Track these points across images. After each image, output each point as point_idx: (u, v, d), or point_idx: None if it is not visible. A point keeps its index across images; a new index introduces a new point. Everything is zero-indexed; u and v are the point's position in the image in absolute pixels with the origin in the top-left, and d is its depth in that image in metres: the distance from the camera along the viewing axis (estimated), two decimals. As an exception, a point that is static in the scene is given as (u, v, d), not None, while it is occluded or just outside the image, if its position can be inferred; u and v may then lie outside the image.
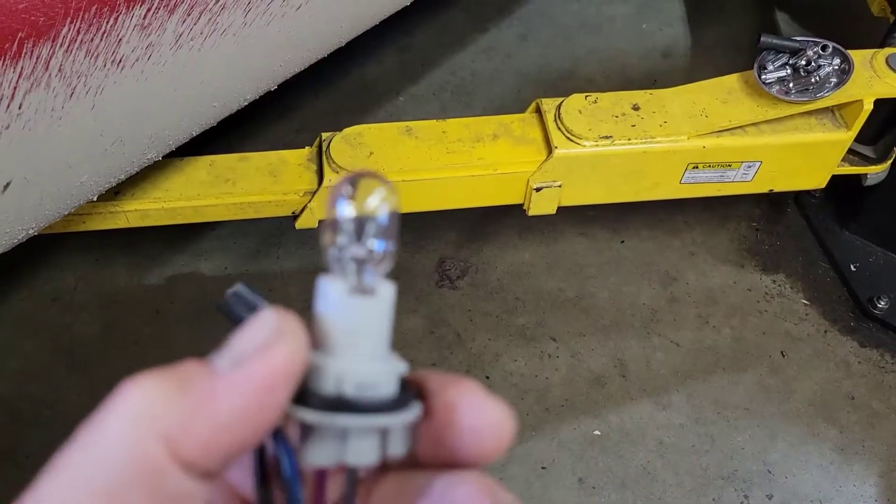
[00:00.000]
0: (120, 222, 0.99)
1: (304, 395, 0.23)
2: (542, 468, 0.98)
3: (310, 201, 0.98)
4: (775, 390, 1.04)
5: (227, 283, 1.13)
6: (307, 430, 0.24)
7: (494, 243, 1.18)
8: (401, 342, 1.08)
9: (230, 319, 0.24)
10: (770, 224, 1.21)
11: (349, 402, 0.23)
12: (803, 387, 1.05)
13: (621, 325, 1.10)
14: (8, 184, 0.62)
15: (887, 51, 0.99)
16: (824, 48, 0.97)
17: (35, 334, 1.08)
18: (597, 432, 1.01)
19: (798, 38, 0.98)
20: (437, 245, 1.18)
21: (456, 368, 1.06)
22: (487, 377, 1.05)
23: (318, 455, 0.23)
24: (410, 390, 0.25)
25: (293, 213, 1.01)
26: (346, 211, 0.24)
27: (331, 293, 0.24)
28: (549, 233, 1.19)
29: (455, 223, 1.19)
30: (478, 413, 0.25)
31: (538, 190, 1.00)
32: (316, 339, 0.24)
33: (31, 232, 0.75)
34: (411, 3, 1.08)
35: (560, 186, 1.01)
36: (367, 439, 0.24)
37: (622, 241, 1.19)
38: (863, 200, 1.14)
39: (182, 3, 0.62)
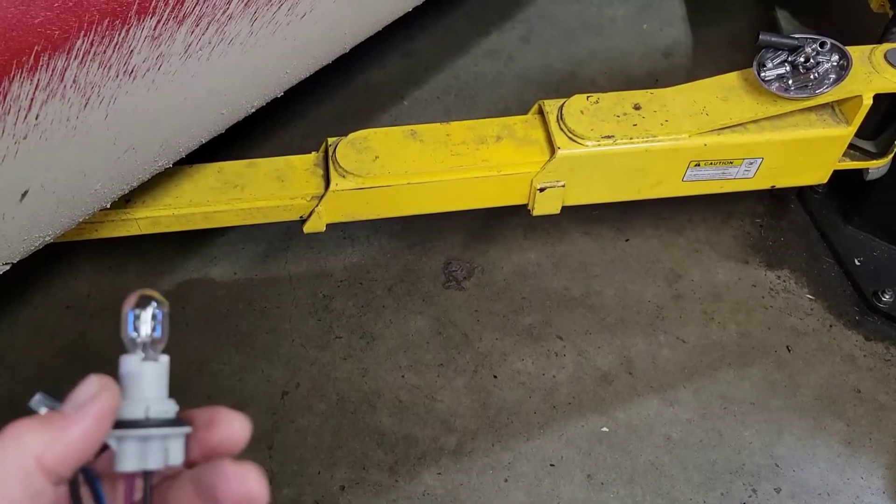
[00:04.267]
0: (132, 230, 1.01)
1: (119, 425, 0.36)
2: (551, 465, 0.99)
3: (317, 205, 1.00)
4: (782, 385, 1.05)
5: (237, 288, 1.15)
6: (122, 447, 0.37)
7: (500, 244, 1.19)
8: (408, 344, 1.09)
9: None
10: (773, 220, 1.22)
11: (154, 421, 0.37)
12: (809, 381, 1.06)
13: (627, 323, 1.11)
14: (25, 192, 0.64)
15: (886, 46, 1.00)
16: (822, 45, 0.97)
17: (50, 341, 1.10)
18: (604, 429, 1.02)
19: (796, 36, 0.99)
20: (443, 247, 1.19)
21: (463, 368, 1.07)
22: (495, 376, 1.06)
23: (129, 462, 0.37)
24: (181, 418, 0.39)
25: (301, 217, 1.03)
26: (136, 316, 0.39)
27: (132, 362, 0.38)
28: (553, 232, 1.21)
29: (460, 225, 1.21)
30: (222, 428, 0.39)
31: (542, 190, 1.02)
32: (124, 392, 0.37)
33: (47, 239, 0.76)
34: (413, 9, 1.10)
35: (563, 186, 1.02)
36: (160, 449, 0.37)
37: (627, 240, 1.20)
38: (865, 195, 1.14)
39: (191, 14, 0.64)
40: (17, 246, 0.71)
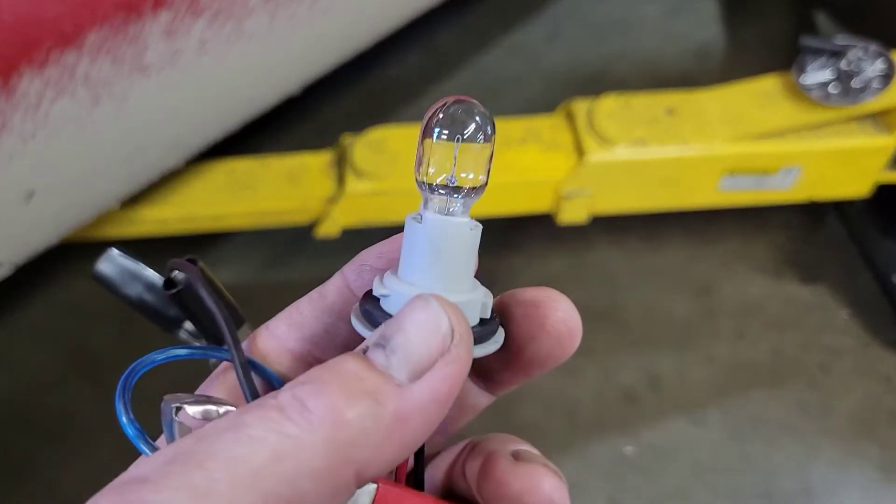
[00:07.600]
0: (138, 230, 0.97)
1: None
2: (571, 488, 0.95)
3: (331, 208, 0.96)
4: (815, 406, 1.01)
5: (245, 292, 1.11)
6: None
7: (521, 253, 1.15)
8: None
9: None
10: (809, 233, 1.18)
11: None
12: (844, 403, 1.01)
13: (654, 339, 1.07)
14: (32, 192, 0.60)
15: (935, 54, 0.95)
16: (867, 50, 0.94)
17: (50, 343, 1.06)
18: (628, 449, 0.98)
19: (839, 41, 0.95)
20: (462, 252, 1.15)
21: (482, 381, 1.03)
22: (514, 394, 1.02)
23: None
24: (495, 318, 0.25)
25: (313, 220, 0.99)
26: (441, 142, 0.23)
27: (427, 218, 0.23)
28: (578, 242, 1.16)
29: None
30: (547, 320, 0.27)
31: (568, 197, 0.97)
32: (402, 264, 0.23)
33: (52, 241, 0.73)
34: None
35: (591, 194, 0.98)
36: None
37: (655, 251, 1.15)
38: (906, 208, 1.10)
39: (208, 8, 0.60)
40: (22, 248, 0.68)
